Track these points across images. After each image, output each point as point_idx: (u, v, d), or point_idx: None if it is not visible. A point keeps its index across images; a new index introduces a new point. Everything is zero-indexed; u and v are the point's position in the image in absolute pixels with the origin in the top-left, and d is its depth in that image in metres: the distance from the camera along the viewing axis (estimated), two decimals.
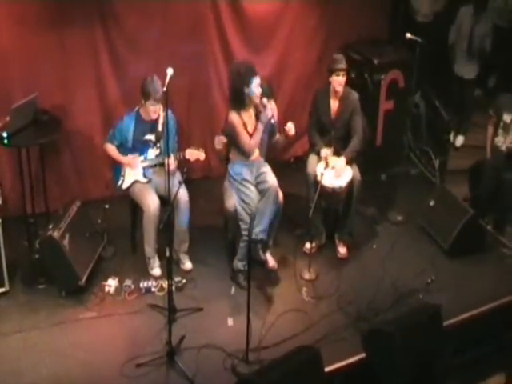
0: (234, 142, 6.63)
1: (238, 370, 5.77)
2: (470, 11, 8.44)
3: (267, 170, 6.71)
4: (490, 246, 7.29)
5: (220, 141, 6.76)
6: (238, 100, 6.52)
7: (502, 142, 7.25)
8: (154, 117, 6.56)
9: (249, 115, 6.58)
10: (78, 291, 6.44)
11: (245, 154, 6.61)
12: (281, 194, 6.66)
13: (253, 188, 6.61)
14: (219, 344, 5.99)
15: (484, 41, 8.43)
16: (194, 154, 6.48)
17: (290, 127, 6.52)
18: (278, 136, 6.77)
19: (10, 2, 6.65)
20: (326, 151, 6.89)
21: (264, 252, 6.81)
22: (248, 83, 6.41)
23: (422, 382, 5.58)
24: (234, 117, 6.53)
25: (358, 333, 6.06)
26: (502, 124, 7.26)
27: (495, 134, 7.33)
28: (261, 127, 6.52)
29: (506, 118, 7.19)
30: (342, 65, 6.81)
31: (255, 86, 6.44)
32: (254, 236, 6.42)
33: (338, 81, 6.84)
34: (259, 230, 6.47)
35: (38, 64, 6.97)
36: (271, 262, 6.81)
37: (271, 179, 6.60)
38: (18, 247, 6.78)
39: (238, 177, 6.63)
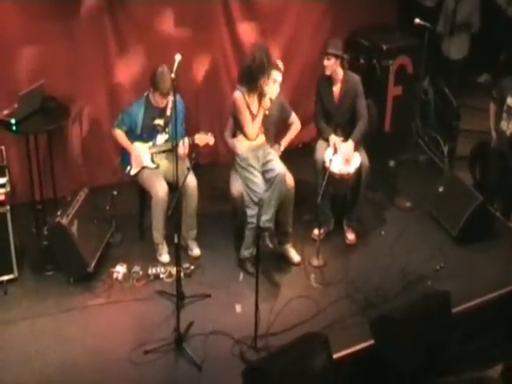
0: (236, 121, 6.65)
1: (247, 356, 5.78)
2: None
3: (274, 157, 6.70)
4: (498, 233, 7.26)
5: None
6: (248, 82, 6.53)
7: (506, 126, 7.17)
8: (161, 105, 6.58)
9: (254, 98, 6.59)
10: (86, 278, 6.45)
11: (247, 135, 6.62)
12: (292, 179, 6.66)
13: (259, 175, 6.60)
14: (227, 331, 6.00)
15: (470, 17, 8.39)
16: (203, 139, 6.49)
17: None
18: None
19: None
20: (334, 138, 6.87)
21: (271, 240, 6.80)
22: (267, 75, 6.45)
23: (429, 369, 5.58)
24: (238, 95, 6.55)
25: (366, 319, 6.05)
26: (505, 107, 7.15)
27: (499, 118, 7.26)
28: (262, 112, 6.54)
29: (510, 101, 7.09)
30: (330, 49, 6.73)
31: (272, 81, 6.47)
32: (260, 224, 6.43)
33: (325, 64, 6.78)
34: (266, 219, 6.48)
35: (46, 51, 6.97)
36: (295, 257, 6.83)
37: (278, 167, 6.58)
38: (26, 234, 6.79)
39: (243, 163, 6.63)
